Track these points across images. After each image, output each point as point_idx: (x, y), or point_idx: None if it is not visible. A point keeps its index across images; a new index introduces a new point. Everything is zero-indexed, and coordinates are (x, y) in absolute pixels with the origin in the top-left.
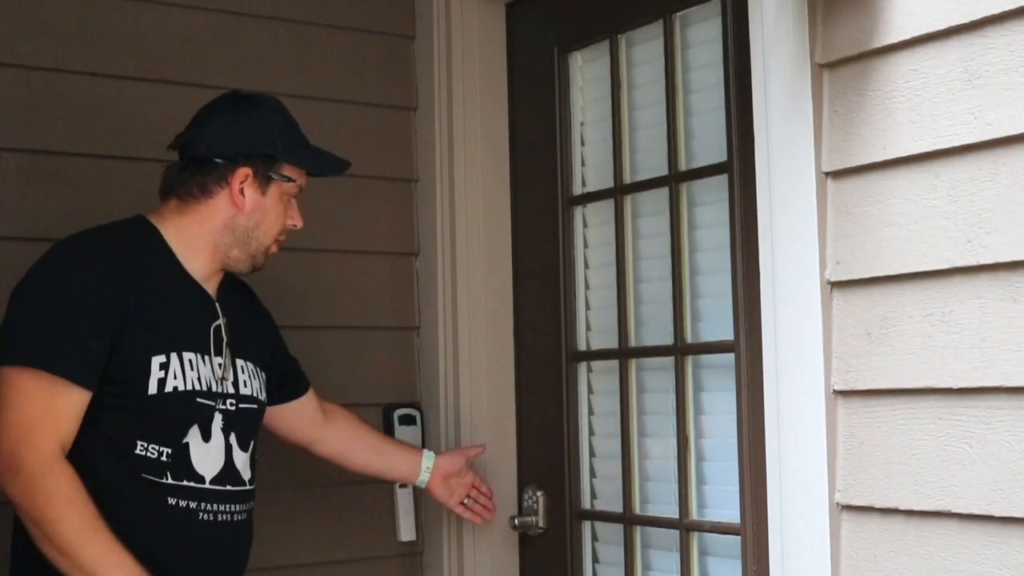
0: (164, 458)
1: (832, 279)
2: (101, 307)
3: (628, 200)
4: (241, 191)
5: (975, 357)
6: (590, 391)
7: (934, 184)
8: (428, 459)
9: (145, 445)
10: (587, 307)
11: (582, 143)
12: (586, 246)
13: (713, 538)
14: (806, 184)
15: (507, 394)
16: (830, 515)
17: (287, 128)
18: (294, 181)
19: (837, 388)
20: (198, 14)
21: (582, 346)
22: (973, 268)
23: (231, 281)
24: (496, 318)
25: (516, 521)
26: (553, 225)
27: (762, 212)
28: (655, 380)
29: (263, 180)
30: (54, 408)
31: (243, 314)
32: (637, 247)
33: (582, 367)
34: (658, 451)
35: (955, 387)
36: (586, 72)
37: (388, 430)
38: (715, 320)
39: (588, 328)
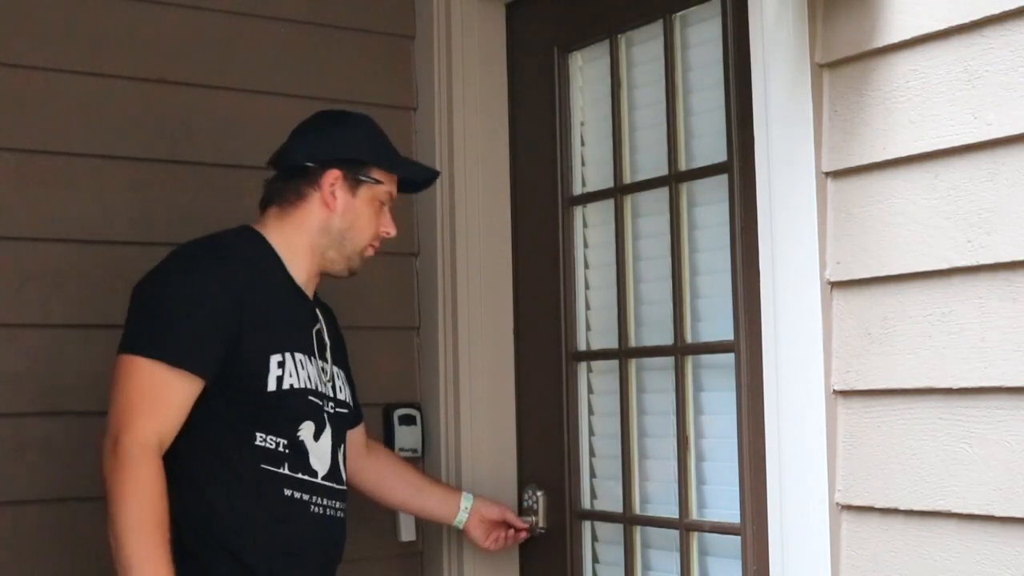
0: (282, 449)
1: (832, 279)
2: (220, 305)
3: (628, 200)
4: (332, 193)
5: (975, 357)
6: (590, 391)
7: (934, 184)
8: (467, 500)
9: (264, 436)
10: (587, 307)
11: (582, 143)
12: (586, 246)
13: (713, 538)
14: (806, 184)
15: (507, 394)
16: (830, 515)
17: (376, 137)
18: (382, 184)
19: (837, 388)
20: (198, 14)
21: (582, 346)
22: (973, 268)
23: (318, 296)
24: (496, 318)
25: None
26: (553, 225)
27: (762, 212)
28: (655, 380)
29: (352, 182)
30: (162, 397)
31: (331, 327)
32: (637, 247)
33: (582, 367)
34: (658, 451)
35: (955, 387)
36: (586, 72)
37: (388, 430)
38: (715, 320)
39: (588, 328)
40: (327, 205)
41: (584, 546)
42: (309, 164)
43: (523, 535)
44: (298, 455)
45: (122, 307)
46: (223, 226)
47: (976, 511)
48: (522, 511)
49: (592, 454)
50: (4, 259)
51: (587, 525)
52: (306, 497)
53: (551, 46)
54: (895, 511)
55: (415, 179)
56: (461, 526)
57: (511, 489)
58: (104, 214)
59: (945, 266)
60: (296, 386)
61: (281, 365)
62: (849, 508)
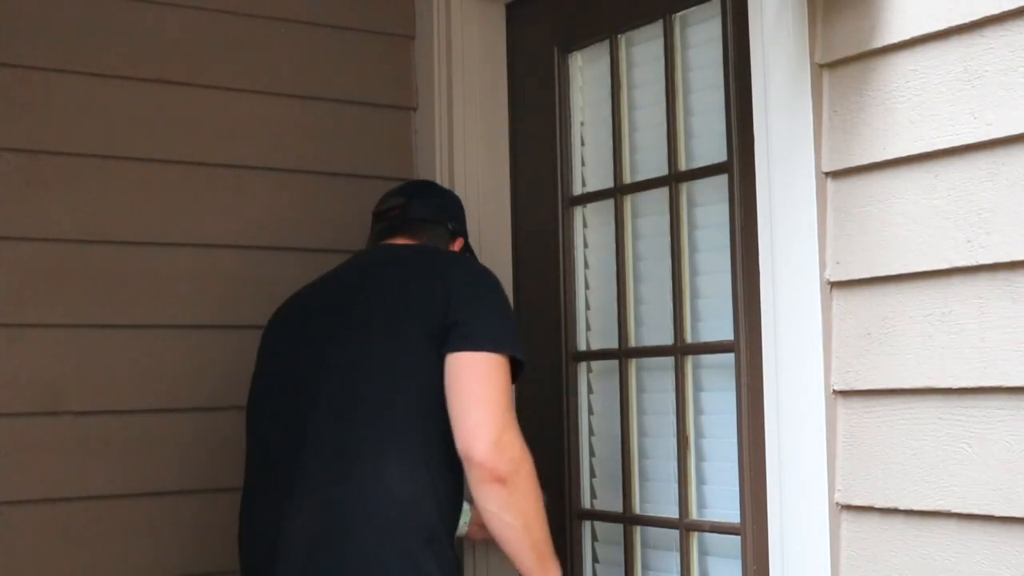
0: None
1: (832, 279)
2: None
3: (628, 200)
4: None
5: (975, 357)
6: (590, 391)
7: (934, 184)
8: (465, 514)
9: None
10: (587, 307)
11: (582, 143)
12: (586, 246)
13: (713, 538)
14: (806, 184)
15: None
16: (830, 515)
17: None
18: None
19: (837, 388)
20: (198, 14)
21: (582, 346)
22: (973, 268)
23: None
24: None
25: None
26: (553, 225)
27: (762, 212)
28: (655, 380)
29: (462, 252)
30: (512, 391)
31: None
32: (637, 247)
33: (582, 367)
34: (658, 451)
35: (955, 387)
36: (586, 72)
37: None
38: (715, 320)
39: (588, 328)
40: None
41: (584, 546)
42: (449, 225)
43: None
44: None
45: (121, 307)
46: (225, 226)
47: (976, 511)
48: None
49: (592, 454)
50: (4, 259)
51: (587, 525)
52: None
53: (551, 46)
54: (895, 511)
55: None
56: (464, 536)
57: None
58: (104, 214)
59: (945, 266)
60: None
61: None
62: (849, 508)
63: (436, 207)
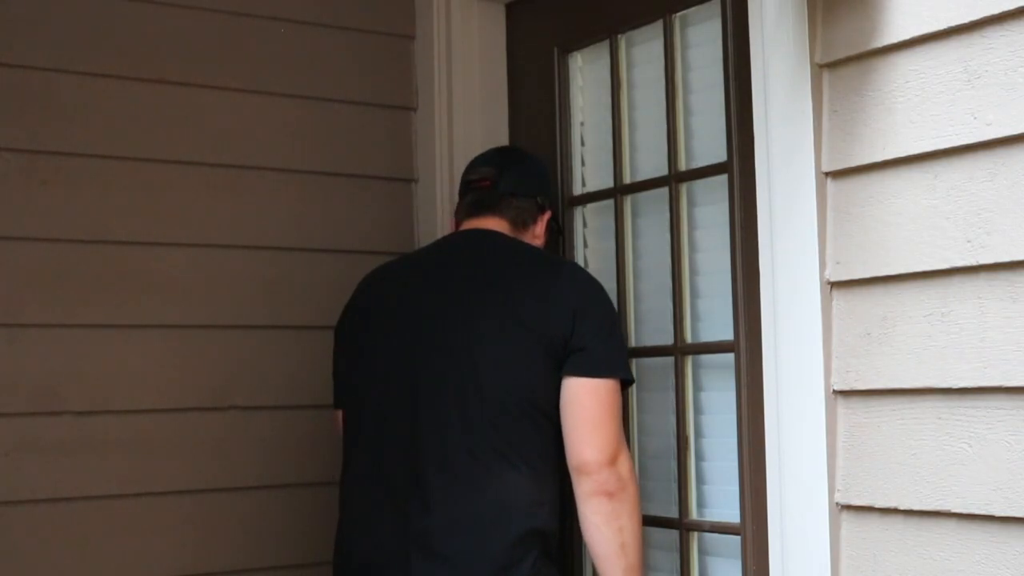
0: None
1: (832, 279)
2: None
3: (628, 200)
4: (543, 229)
5: (975, 357)
6: None
7: (933, 184)
8: None
9: None
10: None
11: (582, 143)
12: (586, 246)
13: (713, 538)
14: (806, 184)
15: None
16: (830, 515)
17: None
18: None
19: (837, 388)
20: (198, 14)
21: None
22: (973, 268)
23: None
24: None
25: None
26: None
27: (762, 212)
28: (655, 380)
29: (548, 226)
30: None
31: None
32: (637, 247)
33: None
34: (658, 451)
35: (955, 387)
36: (586, 72)
37: None
38: (715, 320)
39: None
40: (538, 237)
41: (584, 546)
42: (539, 199)
43: None
44: None
45: (121, 306)
46: (225, 226)
47: (976, 511)
48: None
49: None
50: (4, 259)
51: None
52: None
53: (551, 46)
54: (895, 511)
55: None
56: None
57: None
58: (104, 214)
59: (945, 266)
60: None
61: None
62: (849, 508)
63: (525, 180)
